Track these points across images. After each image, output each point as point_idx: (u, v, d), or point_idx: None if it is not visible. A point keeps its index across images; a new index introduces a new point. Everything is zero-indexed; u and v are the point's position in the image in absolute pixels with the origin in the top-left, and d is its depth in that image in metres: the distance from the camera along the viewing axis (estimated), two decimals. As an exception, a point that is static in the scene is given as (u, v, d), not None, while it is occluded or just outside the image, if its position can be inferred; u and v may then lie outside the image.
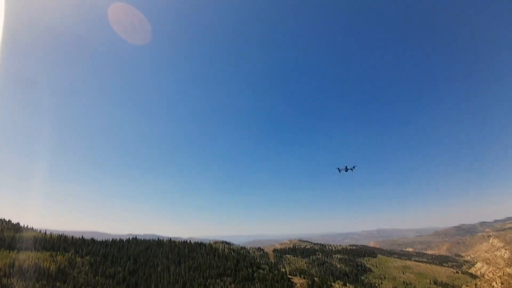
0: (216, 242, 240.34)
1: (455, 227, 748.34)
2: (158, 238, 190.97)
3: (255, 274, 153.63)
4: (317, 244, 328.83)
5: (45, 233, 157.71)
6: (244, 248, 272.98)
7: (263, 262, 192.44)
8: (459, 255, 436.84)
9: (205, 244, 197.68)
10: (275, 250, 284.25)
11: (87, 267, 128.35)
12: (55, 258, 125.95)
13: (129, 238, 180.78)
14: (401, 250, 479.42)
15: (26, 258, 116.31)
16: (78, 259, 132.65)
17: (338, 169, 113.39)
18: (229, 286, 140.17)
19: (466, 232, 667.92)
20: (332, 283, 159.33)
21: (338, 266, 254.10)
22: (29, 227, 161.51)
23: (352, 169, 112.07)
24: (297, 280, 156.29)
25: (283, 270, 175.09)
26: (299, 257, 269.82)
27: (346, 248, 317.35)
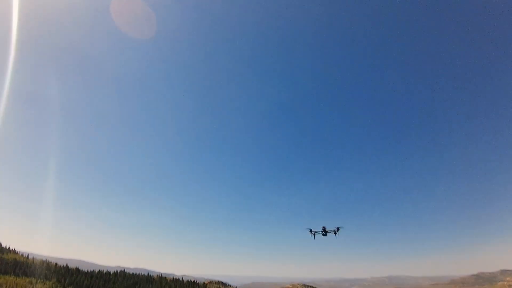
0: (211, 282, 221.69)
1: (474, 275, 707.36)
2: (148, 273, 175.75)
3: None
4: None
5: (27, 257, 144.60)
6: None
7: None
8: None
9: (198, 283, 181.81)
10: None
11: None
12: (34, 286, 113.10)
13: (116, 271, 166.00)
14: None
15: (3, 282, 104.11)
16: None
17: (310, 230, 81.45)
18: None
19: (486, 281, 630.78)
20: None
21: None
22: (11, 248, 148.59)
23: (335, 232, 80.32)
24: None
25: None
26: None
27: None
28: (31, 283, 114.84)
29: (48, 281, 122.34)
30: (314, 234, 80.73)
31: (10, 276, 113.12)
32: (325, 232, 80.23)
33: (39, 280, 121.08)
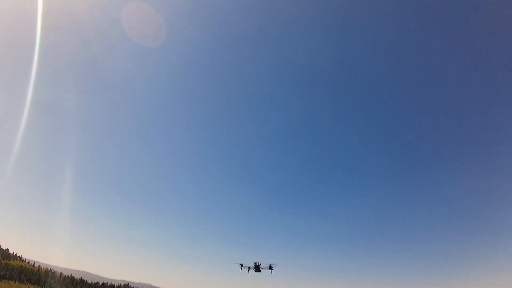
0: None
1: None
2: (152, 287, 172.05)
3: None
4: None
5: (33, 265, 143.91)
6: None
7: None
8: None
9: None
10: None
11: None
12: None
13: (120, 285, 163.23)
14: None
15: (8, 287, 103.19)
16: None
17: (241, 265, 74.98)
18: None
19: None
20: None
21: None
22: (17, 255, 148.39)
23: (269, 269, 73.38)
24: None
25: None
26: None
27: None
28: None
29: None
30: (248, 269, 75.30)
31: (15, 282, 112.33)
32: (257, 268, 74.82)
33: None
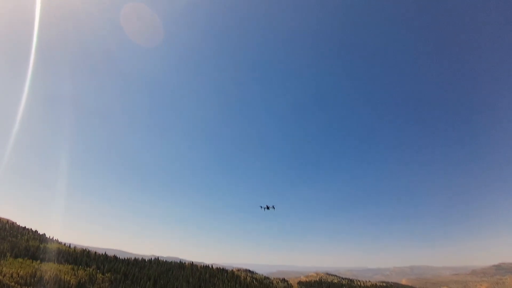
0: (238, 270, 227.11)
1: (495, 265, 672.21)
2: (180, 261, 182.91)
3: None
4: (345, 278, 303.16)
5: (69, 246, 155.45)
6: (268, 278, 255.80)
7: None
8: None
9: (227, 270, 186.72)
10: (299, 283, 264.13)
11: (107, 284, 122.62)
12: (76, 272, 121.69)
13: (151, 259, 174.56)
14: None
15: (48, 269, 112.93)
16: (99, 275, 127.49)
17: (260, 207, 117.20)
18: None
19: (507, 272, 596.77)
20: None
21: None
22: (54, 239, 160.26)
23: (273, 208, 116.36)
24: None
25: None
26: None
27: (376, 284, 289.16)
28: (73, 269, 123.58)
29: (88, 268, 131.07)
30: (265, 209, 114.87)
31: (54, 263, 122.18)
32: (267, 208, 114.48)
33: (80, 266, 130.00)
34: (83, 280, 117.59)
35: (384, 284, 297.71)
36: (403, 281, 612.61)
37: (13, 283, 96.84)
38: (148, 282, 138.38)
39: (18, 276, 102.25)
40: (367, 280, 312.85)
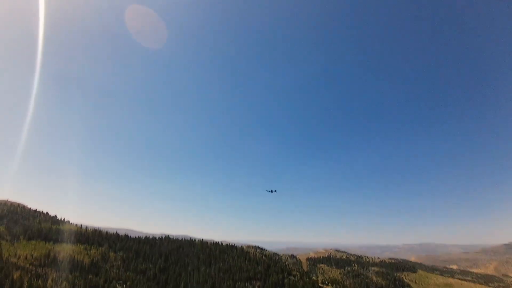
0: (248, 246, 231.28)
1: (505, 244, 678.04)
2: (191, 238, 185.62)
3: (285, 280, 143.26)
4: (354, 255, 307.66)
5: (81, 227, 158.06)
6: (277, 254, 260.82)
7: (295, 269, 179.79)
8: (507, 275, 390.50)
9: (236, 247, 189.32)
10: (309, 259, 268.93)
11: (119, 262, 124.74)
12: (89, 252, 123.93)
13: (161, 237, 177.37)
14: (444, 267, 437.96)
15: (61, 249, 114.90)
16: (111, 254, 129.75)
17: (266, 190, 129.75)
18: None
19: None
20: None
21: (374, 279, 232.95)
22: (65, 220, 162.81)
23: (275, 191, 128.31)
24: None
25: (315, 278, 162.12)
26: (334, 267, 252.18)
27: (385, 261, 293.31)
28: (86, 249, 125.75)
29: (100, 247, 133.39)
30: (269, 192, 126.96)
31: (67, 244, 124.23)
32: (271, 191, 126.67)
33: (92, 246, 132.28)
34: (96, 259, 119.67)
35: (393, 261, 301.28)
36: (412, 258, 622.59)
37: (28, 265, 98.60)
38: (159, 259, 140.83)
39: (33, 258, 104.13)
40: (376, 257, 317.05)
